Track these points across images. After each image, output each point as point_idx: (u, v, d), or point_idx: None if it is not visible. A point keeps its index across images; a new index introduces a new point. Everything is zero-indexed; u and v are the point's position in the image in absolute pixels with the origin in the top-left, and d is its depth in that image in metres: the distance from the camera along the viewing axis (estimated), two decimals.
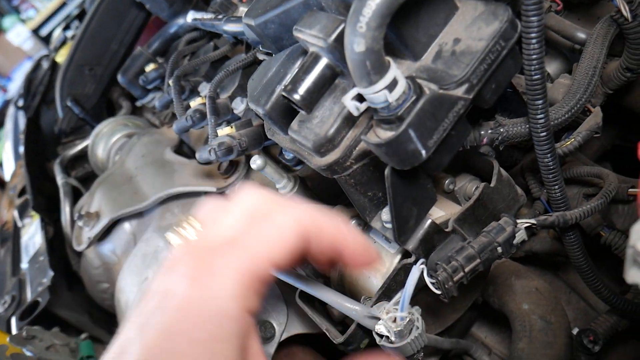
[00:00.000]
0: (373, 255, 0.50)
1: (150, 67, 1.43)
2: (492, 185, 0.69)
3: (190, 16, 1.32)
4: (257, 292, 0.42)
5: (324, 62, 0.60)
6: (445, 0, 0.59)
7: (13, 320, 1.11)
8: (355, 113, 0.54)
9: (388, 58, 0.52)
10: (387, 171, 0.57)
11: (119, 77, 1.51)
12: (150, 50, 1.51)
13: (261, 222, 0.44)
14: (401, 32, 0.58)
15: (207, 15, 1.25)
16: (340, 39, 0.57)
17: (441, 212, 0.71)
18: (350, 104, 0.54)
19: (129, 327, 0.40)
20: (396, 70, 0.52)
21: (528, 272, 0.87)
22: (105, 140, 1.47)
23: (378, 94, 0.51)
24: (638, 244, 0.37)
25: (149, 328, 0.39)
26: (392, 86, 0.51)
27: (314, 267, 0.57)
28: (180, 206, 1.14)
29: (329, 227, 0.46)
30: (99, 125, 1.53)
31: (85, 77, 1.64)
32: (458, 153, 0.63)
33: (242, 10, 1.30)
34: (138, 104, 1.62)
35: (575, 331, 0.80)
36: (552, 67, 0.96)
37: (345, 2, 0.59)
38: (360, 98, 0.54)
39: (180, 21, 1.47)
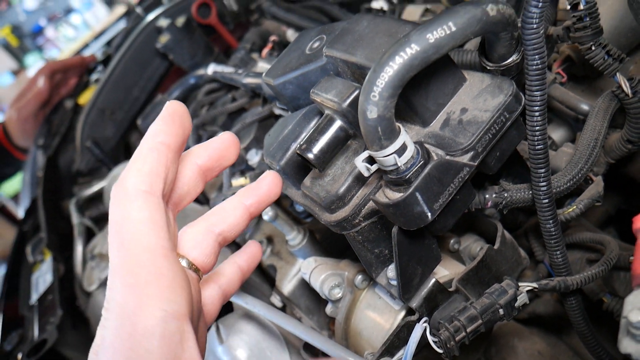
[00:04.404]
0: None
1: None
2: (495, 247, 0.71)
3: (211, 69, 1.38)
4: (183, 289, 0.44)
5: (337, 124, 0.64)
6: (454, 72, 0.63)
7: (19, 357, 1.11)
8: (366, 174, 0.58)
9: (398, 124, 0.55)
10: (394, 230, 0.60)
11: (140, 122, 1.56)
12: (170, 98, 1.56)
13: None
14: (412, 100, 0.61)
15: (228, 69, 1.31)
16: (354, 104, 0.61)
17: (445, 272, 0.73)
18: (361, 165, 0.57)
19: None
20: (406, 136, 0.55)
21: (531, 334, 0.88)
22: None
23: (388, 157, 0.55)
24: (630, 315, 0.39)
25: None
26: (401, 151, 0.55)
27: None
28: None
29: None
30: (117, 168, 1.57)
31: (106, 120, 1.70)
32: (464, 214, 0.66)
33: (261, 65, 1.37)
34: None
35: None
36: (557, 134, 0.99)
37: (360, 70, 0.63)
38: (370, 160, 0.57)
39: (200, 72, 1.53)
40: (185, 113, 0.53)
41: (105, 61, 2.07)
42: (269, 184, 0.57)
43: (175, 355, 0.42)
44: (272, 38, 1.42)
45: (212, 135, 1.29)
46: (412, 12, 1.15)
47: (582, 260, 0.87)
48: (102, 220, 1.56)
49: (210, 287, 0.56)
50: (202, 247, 0.52)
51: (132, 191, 0.46)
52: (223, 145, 0.56)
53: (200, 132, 1.27)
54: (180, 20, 1.58)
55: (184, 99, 1.58)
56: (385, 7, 1.25)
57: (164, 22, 1.62)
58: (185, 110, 0.53)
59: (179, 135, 0.51)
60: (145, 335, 0.41)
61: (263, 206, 0.57)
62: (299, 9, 1.57)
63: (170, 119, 0.51)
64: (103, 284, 1.19)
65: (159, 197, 0.47)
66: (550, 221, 0.68)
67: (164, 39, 1.56)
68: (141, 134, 1.77)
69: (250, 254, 0.62)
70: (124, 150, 1.82)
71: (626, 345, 0.40)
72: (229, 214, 0.55)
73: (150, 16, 1.69)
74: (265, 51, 1.41)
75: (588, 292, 0.85)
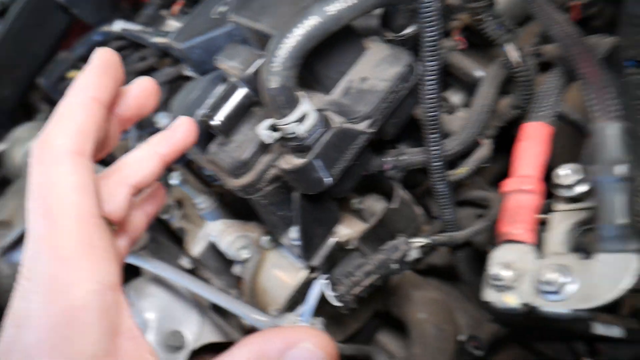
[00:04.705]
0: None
1: (73, 73, 1.42)
2: (392, 207, 0.77)
3: (118, 25, 1.32)
4: (106, 253, 0.42)
5: (242, 92, 0.65)
6: (355, 42, 0.66)
7: None
8: (268, 141, 0.60)
9: (301, 92, 0.58)
10: (295, 195, 0.63)
11: (42, 81, 1.47)
12: (73, 56, 1.48)
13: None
14: (313, 68, 0.64)
15: (136, 27, 1.26)
16: (257, 72, 0.62)
17: (347, 230, 0.77)
18: (264, 134, 0.59)
19: None
20: (307, 105, 0.58)
21: (427, 284, 0.96)
22: (23, 145, 1.43)
23: (289, 125, 0.57)
24: (490, 268, 0.45)
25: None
26: (302, 119, 0.57)
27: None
28: None
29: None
30: (17, 130, 1.49)
31: (3, 79, 1.59)
32: (365, 176, 0.70)
33: (170, 23, 1.32)
34: None
35: (462, 338, 0.89)
36: (456, 97, 1.05)
37: (265, 38, 0.64)
38: (273, 128, 0.59)
39: (106, 28, 1.46)
40: (118, 64, 0.48)
41: (1, 13, 1.91)
42: (184, 130, 0.53)
43: (114, 327, 0.40)
44: None
45: None
46: None
47: (473, 216, 0.95)
48: (1, 185, 1.48)
49: (120, 238, 0.53)
50: (116, 200, 0.49)
51: (59, 152, 0.42)
52: (143, 93, 0.52)
53: None
54: None
55: (89, 56, 1.51)
56: None
57: None
58: (118, 60, 0.48)
59: (111, 89, 0.46)
60: (82, 310, 0.38)
61: (179, 154, 0.54)
62: None
63: (102, 70, 0.46)
64: (6, 251, 1.15)
65: (89, 159, 0.43)
66: (441, 182, 0.74)
67: None
68: (43, 94, 1.67)
69: (157, 198, 0.58)
70: (23, 111, 1.71)
71: (487, 294, 0.46)
72: (143, 165, 0.51)
73: None
74: (175, 8, 1.36)
75: (478, 244, 0.94)
